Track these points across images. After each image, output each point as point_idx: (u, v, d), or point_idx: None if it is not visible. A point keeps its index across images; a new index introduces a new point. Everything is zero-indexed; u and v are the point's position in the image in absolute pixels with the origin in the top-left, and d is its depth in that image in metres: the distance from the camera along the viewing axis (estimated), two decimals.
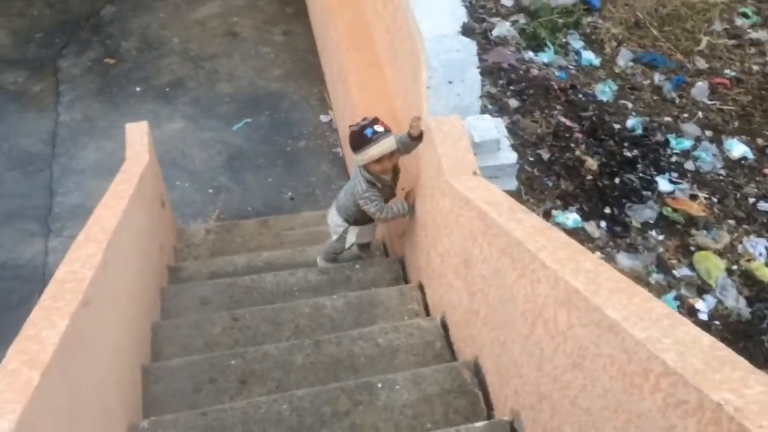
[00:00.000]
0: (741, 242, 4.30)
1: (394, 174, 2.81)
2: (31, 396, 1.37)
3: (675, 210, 4.42)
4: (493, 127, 2.65)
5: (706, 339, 1.25)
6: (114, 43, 5.34)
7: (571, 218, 4.26)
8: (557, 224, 3.92)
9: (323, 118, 4.85)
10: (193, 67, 5.19)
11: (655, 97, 5.17)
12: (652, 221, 4.42)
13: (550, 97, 5.12)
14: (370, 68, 3.82)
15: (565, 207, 4.42)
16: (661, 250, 4.26)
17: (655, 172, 4.67)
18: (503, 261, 1.95)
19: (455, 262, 2.43)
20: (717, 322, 3.71)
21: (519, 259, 1.83)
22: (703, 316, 3.65)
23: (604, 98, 5.15)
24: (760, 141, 4.81)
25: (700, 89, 5.14)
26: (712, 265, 4.14)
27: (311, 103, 4.97)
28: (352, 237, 3.07)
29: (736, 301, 4.00)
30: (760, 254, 4.25)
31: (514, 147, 3.22)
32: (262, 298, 3.07)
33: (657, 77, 5.29)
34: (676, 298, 3.74)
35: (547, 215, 3.93)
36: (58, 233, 4.01)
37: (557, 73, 5.34)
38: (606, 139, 4.87)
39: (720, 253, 4.22)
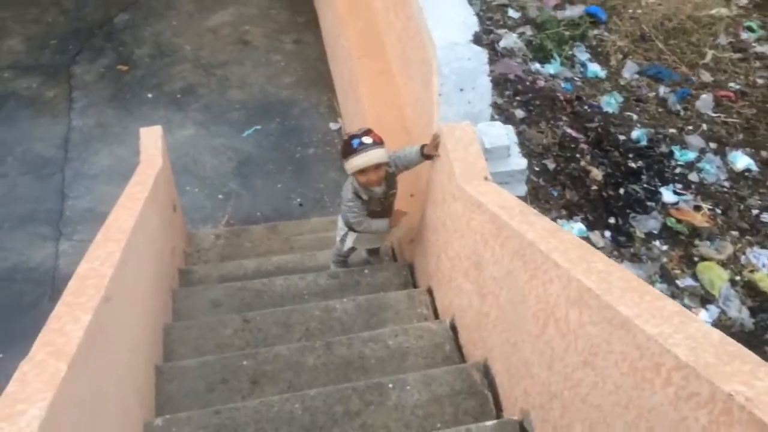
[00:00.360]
0: (744, 253, 4.34)
1: (388, 188, 2.81)
2: (59, 386, 1.41)
3: (679, 221, 4.46)
4: (504, 134, 2.70)
5: (716, 334, 1.29)
6: (127, 50, 5.42)
7: (576, 228, 4.30)
8: None
9: (332, 126, 4.91)
10: (205, 74, 5.26)
11: (660, 109, 5.22)
12: (656, 232, 4.46)
13: (556, 108, 5.18)
14: (381, 76, 3.88)
15: (570, 217, 4.47)
16: (664, 260, 4.30)
17: (660, 183, 4.72)
18: (515, 263, 1.99)
19: (466, 265, 2.47)
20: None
21: (531, 261, 1.87)
22: None
23: (610, 110, 5.21)
24: (764, 153, 4.86)
25: (704, 102, 5.20)
26: (716, 276, 4.17)
27: (321, 111, 5.03)
28: (349, 242, 3.11)
29: (739, 312, 4.03)
30: (764, 265, 4.29)
31: None
32: (273, 301, 3.11)
33: (662, 89, 5.35)
34: None
35: None
36: (68, 237, 4.05)
37: (563, 85, 5.41)
38: (611, 150, 4.93)
39: (723, 264, 4.26)
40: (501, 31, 5.88)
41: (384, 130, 2.93)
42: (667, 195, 4.61)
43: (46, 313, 3.76)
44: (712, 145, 4.92)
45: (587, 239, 4.23)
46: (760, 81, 5.37)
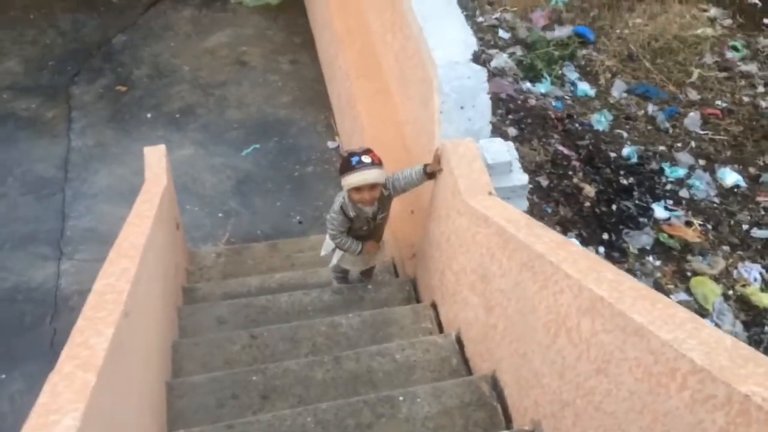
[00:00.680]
0: (736, 268, 4.43)
1: (379, 210, 2.85)
2: (90, 397, 1.43)
3: (671, 236, 4.55)
4: (505, 150, 2.77)
5: (729, 339, 1.35)
6: (125, 70, 5.46)
7: None
8: None
9: (330, 144, 4.97)
10: (203, 94, 5.31)
11: (649, 127, 5.34)
12: (648, 247, 4.55)
13: (547, 126, 5.28)
14: (378, 96, 3.95)
15: (564, 233, 4.54)
16: (658, 275, 4.38)
17: (651, 200, 4.82)
18: (524, 274, 2.04)
19: (472, 279, 2.52)
20: None
21: (540, 272, 1.93)
22: None
23: (600, 128, 5.33)
24: (752, 169, 4.98)
25: (692, 119, 5.33)
26: (709, 290, 4.25)
27: (318, 130, 5.10)
28: (334, 259, 3.16)
29: (732, 326, 4.10)
30: (755, 279, 4.37)
31: None
32: (278, 317, 3.14)
33: (650, 108, 5.47)
34: None
35: None
36: (70, 256, 4.06)
37: (554, 103, 5.52)
38: (602, 167, 5.03)
39: (716, 279, 4.35)
40: (492, 51, 6.00)
41: (383, 148, 2.99)
42: (659, 211, 4.70)
43: (47, 333, 3.77)
44: (701, 162, 5.03)
45: None
46: (745, 99, 5.52)
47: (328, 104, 5.23)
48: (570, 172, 4.95)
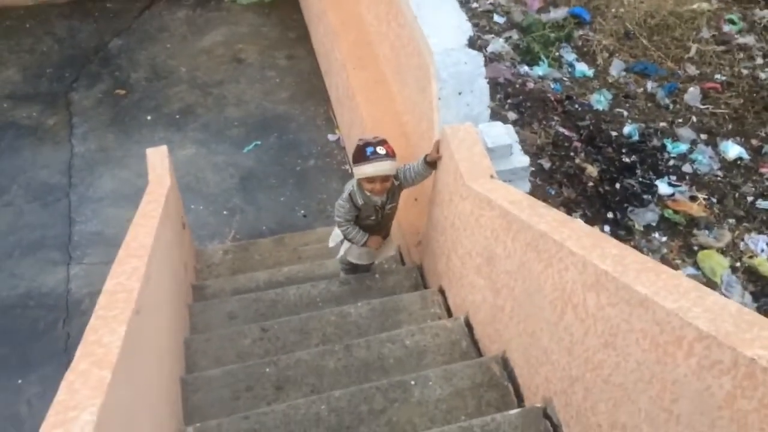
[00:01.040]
0: (742, 239, 4.43)
1: (388, 200, 2.86)
2: (106, 392, 1.46)
3: (676, 212, 4.55)
4: (505, 133, 2.78)
5: (733, 305, 1.36)
6: (123, 74, 5.48)
7: None
8: None
9: (330, 137, 4.99)
10: (202, 94, 5.33)
11: (649, 104, 5.33)
12: (654, 224, 4.55)
13: (547, 109, 5.27)
14: (376, 85, 3.97)
15: (568, 214, 4.55)
16: (665, 251, 4.38)
17: (654, 176, 4.81)
18: (528, 254, 2.06)
19: (477, 262, 2.54)
20: None
21: (545, 250, 1.95)
22: None
23: (600, 107, 5.31)
24: (754, 141, 4.97)
25: (692, 94, 5.31)
26: (716, 263, 4.26)
27: (318, 123, 5.11)
28: (341, 251, 3.18)
29: (741, 297, 4.11)
30: (762, 250, 4.38)
31: None
32: (287, 310, 3.16)
33: (650, 85, 5.45)
34: None
35: None
36: (78, 260, 4.10)
37: (552, 85, 5.50)
38: (604, 147, 5.02)
39: (723, 251, 4.35)
40: (488, 37, 5.98)
41: (383, 136, 3.00)
42: (663, 187, 4.70)
43: (61, 337, 3.81)
44: (703, 136, 5.02)
45: None
46: (744, 71, 5.49)
47: (327, 97, 5.25)
48: (572, 153, 4.95)
